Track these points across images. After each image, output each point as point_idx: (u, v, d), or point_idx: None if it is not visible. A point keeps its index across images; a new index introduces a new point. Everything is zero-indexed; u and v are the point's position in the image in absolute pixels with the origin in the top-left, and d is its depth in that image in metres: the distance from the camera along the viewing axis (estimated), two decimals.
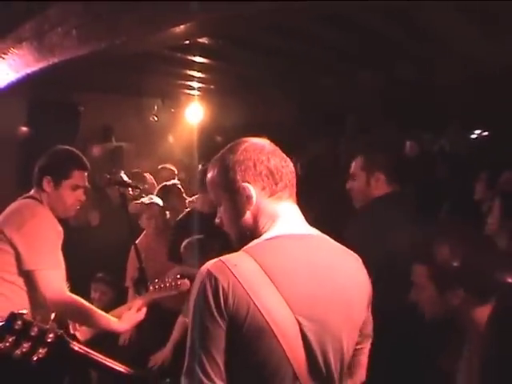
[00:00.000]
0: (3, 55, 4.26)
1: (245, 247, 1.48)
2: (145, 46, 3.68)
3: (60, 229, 2.79)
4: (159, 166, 6.43)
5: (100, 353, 1.91)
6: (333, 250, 1.59)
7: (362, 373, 1.74)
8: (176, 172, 6.28)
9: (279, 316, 1.38)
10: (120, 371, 1.90)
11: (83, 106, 6.81)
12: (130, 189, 4.09)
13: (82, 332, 3.02)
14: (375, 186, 2.90)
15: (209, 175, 1.61)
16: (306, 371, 1.43)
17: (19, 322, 1.84)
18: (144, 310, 2.82)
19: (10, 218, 2.73)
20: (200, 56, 5.63)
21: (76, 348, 1.89)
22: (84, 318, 2.72)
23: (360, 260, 1.62)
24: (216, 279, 1.36)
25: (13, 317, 1.85)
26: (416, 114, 5.93)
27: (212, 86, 7.42)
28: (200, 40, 4.88)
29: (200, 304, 1.38)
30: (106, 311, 2.95)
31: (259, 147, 1.55)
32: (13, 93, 4.94)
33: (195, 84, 7.28)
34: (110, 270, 4.03)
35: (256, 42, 5.10)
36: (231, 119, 7.87)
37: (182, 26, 2.95)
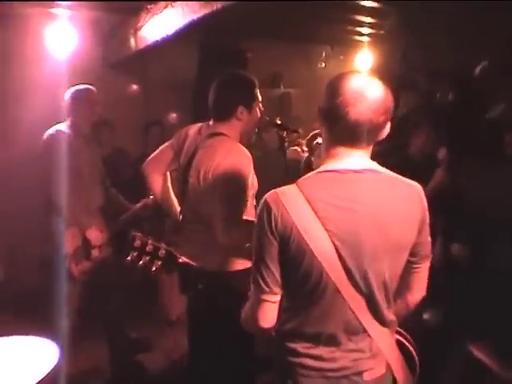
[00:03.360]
0: (173, 3, 4.41)
1: (298, 180, 1.79)
2: None
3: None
4: None
5: None
6: (381, 181, 1.79)
7: (421, 288, 1.99)
8: None
9: (316, 236, 1.70)
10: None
11: (251, 52, 6.91)
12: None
13: None
14: None
15: None
16: (345, 285, 1.74)
17: (138, 242, 2.37)
18: None
19: (214, 159, 2.84)
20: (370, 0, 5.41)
21: (181, 261, 2.43)
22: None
23: (417, 189, 1.84)
24: (270, 207, 1.74)
25: (133, 236, 2.38)
26: None
27: (382, 32, 7.12)
28: None
29: (259, 226, 1.77)
30: None
31: (336, 90, 1.73)
32: (184, 40, 5.11)
33: (365, 30, 7.04)
34: None
35: None
36: (401, 66, 7.53)
37: None
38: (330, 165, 1.78)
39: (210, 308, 2.83)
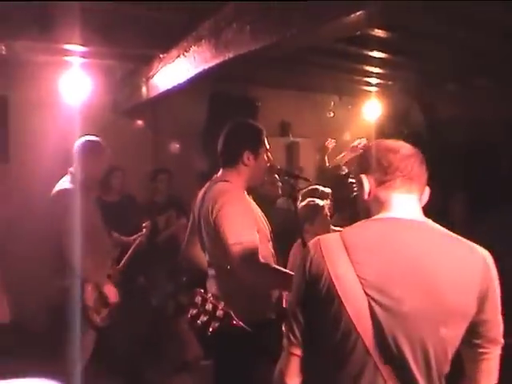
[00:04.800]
0: (185, 53, 4.49)
1: (344, 229, 1.73)
2: (315, 38, 3.64)
3: (252, 206, 2.99)
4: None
5: None
6: (435, 237, 1.66)
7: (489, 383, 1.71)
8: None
9: (348, 286, 1.57)
10: (267, 346, 2.22)
11: (261, 101, 7.01)
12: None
13: None
14: None
15: None
16: (376, 346, 1.56)
17: (199, 298, 2.37)
18: None
19: (211, 203, 2.88)
20: (378, 51, 5.48)
21: (235, 323, 2.39)
22: (277, 283, 2.86)
23: (482, 254, 1.65)
24: (308, 251, 1.68)
25: (194, 293, 2.38)
26: None
27: (390, 82, 7.20)
28: (378, 34, 4.75)
29: (296, 271, 1.75)
30: None
31: (380, 145, 1.78)
32: (195, 88, 5.18)
33: (373, 80, 7.12)
34: None
35: (438, 34, 4.84)
36: (410, 117, 7.59)
37: (351, 17, 2.88)
38: (380, 214, 1.72)
39: (227, 353, 2.80)
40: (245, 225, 2.82)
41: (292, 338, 1.70)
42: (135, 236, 4.81)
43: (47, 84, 5.51)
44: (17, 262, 5.64)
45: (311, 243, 1.70)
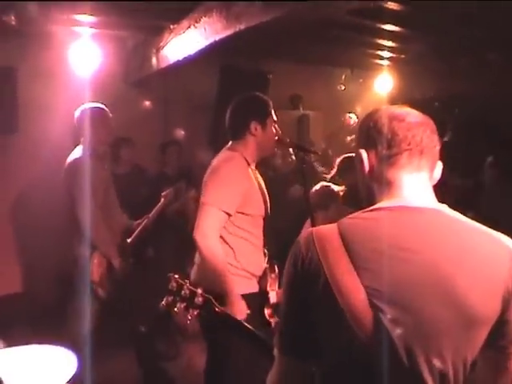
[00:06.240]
0: (196, 24, 4.45)
1: (341, 219, 1.45)
2: (326, 10, 3.61)
3: (247, 180, 2.98)
4: None
5: None
6: (453, 229, 1.39)
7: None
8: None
9: (350, 294, 1.32)
10: (255, 333, 2.19)
11: (272, 74, 6.96)
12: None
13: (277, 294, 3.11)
14: None
15: None
16: (385, 359, 1.32)
17: (174, 284, 2.16)
18: None
19: (210, 168, 3.01)
20: (390, 24, 5.41)
21: (218, 310, 2.21)
22: (212, 271, 2.81)
23: (507, 245, 1.39)
24: (300, 249, 1.42)
25: (168, 278, 2.18)
26: None
27: (403, 56, 7.13)
28: (390, 6, 4.68)
29: (286, 268, 1.47)
30: None
31: (382, 113, 1.48)
32: (205, 60, 5.15)
33: (385, 53, 7.05)
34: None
35: (449, 8, 4.77)
36: (422, 91, 7.52)
37: None
38: (385, 199, 1.45)
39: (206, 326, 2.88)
40: (228, 193, 2.86)
41: (286, 346, 1.49)
42: (145, 217, 4.61)
43: (57, 55, 5.48)
44: (26, 233, 5.72)
45: (302, 237, 1.44)
